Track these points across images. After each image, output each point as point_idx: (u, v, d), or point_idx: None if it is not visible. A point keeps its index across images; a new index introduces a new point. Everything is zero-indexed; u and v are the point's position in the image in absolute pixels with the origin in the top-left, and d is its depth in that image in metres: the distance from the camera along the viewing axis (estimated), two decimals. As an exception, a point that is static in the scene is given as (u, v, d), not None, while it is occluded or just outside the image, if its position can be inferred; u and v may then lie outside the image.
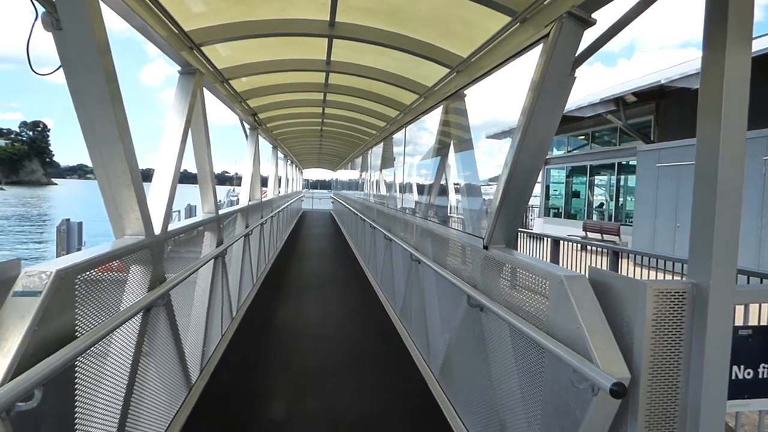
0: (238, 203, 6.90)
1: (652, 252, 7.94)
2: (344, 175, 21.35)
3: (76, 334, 1.69)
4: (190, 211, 12.55)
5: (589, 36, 2.20)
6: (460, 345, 3.22)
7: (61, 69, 1.97)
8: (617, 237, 12.55)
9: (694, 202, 1.62)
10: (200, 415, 3.17)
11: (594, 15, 2.13)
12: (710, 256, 1.54)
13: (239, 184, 8.05)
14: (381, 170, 9.67)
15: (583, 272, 2.02)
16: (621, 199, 14.67)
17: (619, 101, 12.06)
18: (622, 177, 14.52)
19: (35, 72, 1.88)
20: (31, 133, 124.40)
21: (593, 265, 7.50)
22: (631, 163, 13.61)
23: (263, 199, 8.01)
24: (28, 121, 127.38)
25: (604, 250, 7.62)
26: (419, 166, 6.63)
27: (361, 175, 13.66)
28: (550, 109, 2.35)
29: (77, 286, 1.70)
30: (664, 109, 12.20)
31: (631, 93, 11.57)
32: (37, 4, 1.79)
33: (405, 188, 7.29)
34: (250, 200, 6.87)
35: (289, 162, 16.87)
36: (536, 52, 2.47)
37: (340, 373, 4.01)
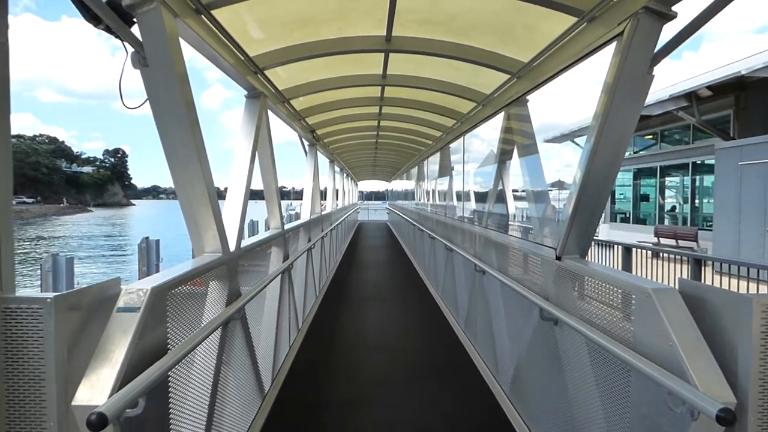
0: (297, 217, 7.11)
1: (740, 260, 7.18)
2: (399, 185, 21.42)
3: (168, 346, 1.80)
4: (253, 226, 13.15)
5: (668, 30, 2.06)
6: (532, 359, 3.09)
7: (148, 102, 2.14)
8: (695, 243, 11.60)
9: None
10: (274, 422, 3.28)
11: (674, 8, 1.99)
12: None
13: (296, 199, 8.31)
14: (438, 179, 9.59)
15: (664, 282, 1.87)
16: (697, 202, 13.57)
17: (691, 96, 11.20)
18: (698, 177, 13.44)
19: (127, 107, 2.05)
20: (112, 159, 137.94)
21: (671, 274, 6.96)
22: (707, 162, 12.58)
23: (323, 213, 8.20)
24: (110, 148, 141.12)
25: (684, 258, 7.02)
26: (479, 174, 6.51)
27: (417, 185, 13.65)
28: (626, 110, 2.22)
29: (168, 302, 1.82)
30: (745, 102, 11.18)
31: (705, 87, 10.71)
32: (127, 45, 1.97)
33: (465, 197, 7.18)
34: (311, 214, 7.06)
35: (345, 175, 17.22)
36: (603, 52, 2.35)
37: (404, 384, 3.98)
